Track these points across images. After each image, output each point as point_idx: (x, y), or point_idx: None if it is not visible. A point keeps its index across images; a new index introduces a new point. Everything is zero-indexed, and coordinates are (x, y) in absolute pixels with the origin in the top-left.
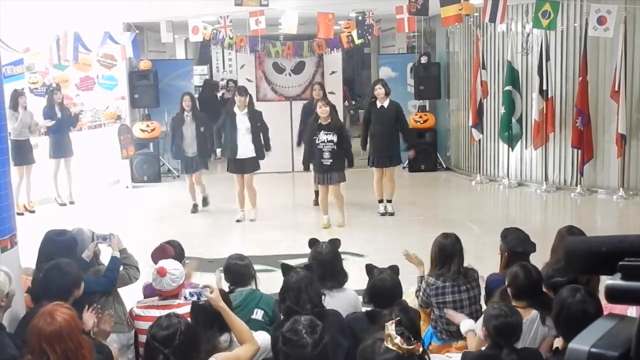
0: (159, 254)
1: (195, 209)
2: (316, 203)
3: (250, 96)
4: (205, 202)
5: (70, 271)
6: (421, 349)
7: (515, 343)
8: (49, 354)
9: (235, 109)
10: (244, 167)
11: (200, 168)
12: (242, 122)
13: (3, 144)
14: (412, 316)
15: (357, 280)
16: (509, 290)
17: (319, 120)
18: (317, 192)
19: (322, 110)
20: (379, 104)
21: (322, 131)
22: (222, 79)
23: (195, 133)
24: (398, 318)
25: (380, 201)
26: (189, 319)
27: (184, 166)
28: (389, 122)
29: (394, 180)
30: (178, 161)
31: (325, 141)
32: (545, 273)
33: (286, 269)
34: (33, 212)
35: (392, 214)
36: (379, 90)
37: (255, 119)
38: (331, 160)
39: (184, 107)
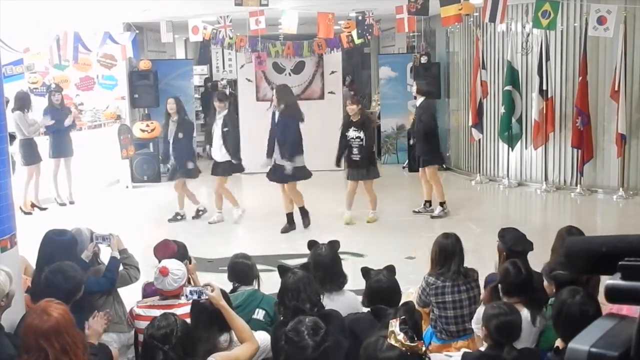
0: (162, 248)
1: (174, 217)
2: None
3: (230, 102)
4: (197, 214)
5: (75, 276)
6: (423, 348)
7: (515, 341)
8: (47, 350)
9: (217, 113)
10: (215, 169)
11: (178, 177)
12: (218, 127)
13: (3, 144)
14: (416, 318)
15: (356, 280)
16: (499, 287)
17: (350, 118)
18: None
19: (350, 108)
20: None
21: (352, 127)
22: (222, 79)
23: (173, 139)
24: (403, 317)
25: (428, 201)
26: (185, 319)
27: (169, 172)
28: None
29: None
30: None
31: (354, 137)
32: (547, 267)
33: (283, 271)
34: (45, 209)
35: (446, 213)
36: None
37: (226, 124)
38: (359, 156)
39: (168, 111)
